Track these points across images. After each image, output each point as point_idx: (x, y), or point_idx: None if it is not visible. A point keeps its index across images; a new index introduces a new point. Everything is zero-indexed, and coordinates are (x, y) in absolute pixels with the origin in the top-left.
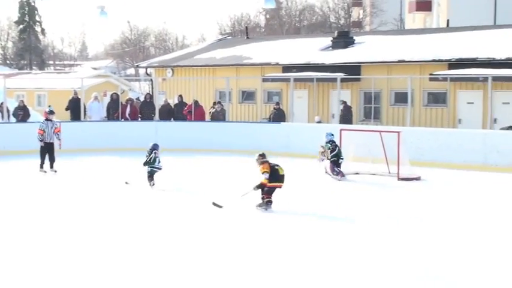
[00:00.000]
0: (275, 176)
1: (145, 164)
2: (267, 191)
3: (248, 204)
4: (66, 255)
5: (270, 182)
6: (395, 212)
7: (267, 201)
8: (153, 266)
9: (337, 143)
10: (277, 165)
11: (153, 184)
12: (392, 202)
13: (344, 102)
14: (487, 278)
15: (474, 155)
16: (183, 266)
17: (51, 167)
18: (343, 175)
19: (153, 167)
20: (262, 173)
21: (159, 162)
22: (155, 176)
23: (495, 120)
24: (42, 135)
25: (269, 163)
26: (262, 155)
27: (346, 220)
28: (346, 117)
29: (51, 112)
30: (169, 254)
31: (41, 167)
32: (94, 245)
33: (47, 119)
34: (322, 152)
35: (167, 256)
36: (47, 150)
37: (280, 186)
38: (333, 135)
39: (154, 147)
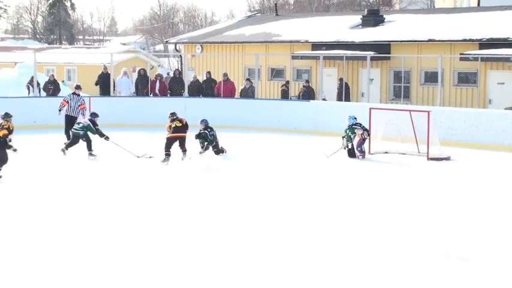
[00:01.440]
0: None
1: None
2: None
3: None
4: (88, 229)
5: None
6: (424, 191)
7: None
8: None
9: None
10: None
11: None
12: (422, 182)
13: (340, 79)
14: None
15: (504, 135)
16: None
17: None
18: (364, 155)
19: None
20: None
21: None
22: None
23: None
24: (63, 105)
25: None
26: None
27: (374, 200)
28: (341, 94)
29: (78, 87)
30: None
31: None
32: (117, 219)
33: (73, 93)
34: (361, 134)
35: (190, 234)
36: (71, 124)
37: (178, 136)
38: (356, 118)
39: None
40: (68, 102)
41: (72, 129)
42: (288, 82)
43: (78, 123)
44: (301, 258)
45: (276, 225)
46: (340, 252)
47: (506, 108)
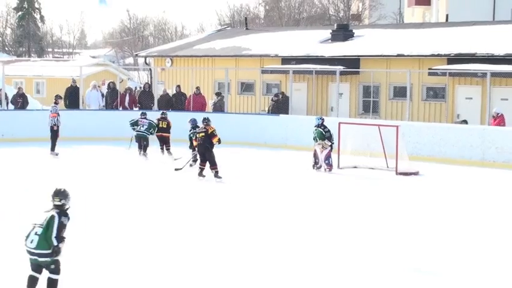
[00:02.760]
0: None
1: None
2: None
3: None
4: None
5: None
6: (393, 206)
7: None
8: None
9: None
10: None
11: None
12: (390, 196)
13: (275, 95)
14: (482, 274)
15: (472, 150)
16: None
17: (51, 150)
18: (332, 168)
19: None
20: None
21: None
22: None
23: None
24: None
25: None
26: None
27: (343, 215)
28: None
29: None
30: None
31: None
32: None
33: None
34: (321, 146)
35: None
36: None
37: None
38: (322, 119)
39: (193, 124)
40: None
41: (137, 132)
42: (277, 95)
43: (143, 126)
44: (272, 277)
45: (241, 241)
46: (310, 267)
47: (455, 122)
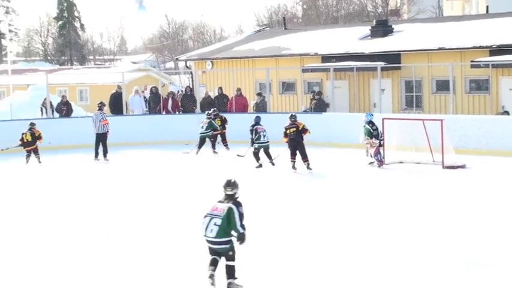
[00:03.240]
0: None
1: (252, 142)
2: None
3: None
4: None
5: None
6: (442, 199)
7: None
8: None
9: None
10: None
11: (260, 165)
12: (438, 190)
13: (317, 93)
14: None
15: None
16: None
17: (104, 156)
18: (382, 164)
19: (259, 144)
20: None
21: (264, 137)
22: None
23: None
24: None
25: None
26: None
27: (391, 209)
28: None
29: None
30: None
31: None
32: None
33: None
34: (370, 144)
35: None
36: (98, 141)
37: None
38: (372, 115)
39: (256, 121)
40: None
41: (199, 134)
42: (318, 93)
43: (202, 127)
44: (316, 263)
45: (293, 232)
46: (357, 259)
47: (497, 114)
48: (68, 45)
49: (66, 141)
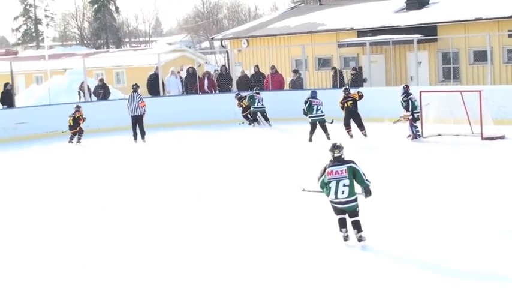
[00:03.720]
0: None
1: (305, 114)
2: None
3: None
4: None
5: None
6: (481, 172)
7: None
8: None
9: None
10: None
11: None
12: (477, 162)
13: (353, 69)
14: None
15: None
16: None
17: (142, 138)
18: (419, 136)
19: (312, 117)
20: None
21: (318, 110)
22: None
23: None
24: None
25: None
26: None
27: (431, 182)
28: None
29: (135, 86)
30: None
31: (134, 138)
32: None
33: (134, 92)
34: (404, 118)
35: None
36: (135, 122)
37: None
38: (406, 86)
39: (312, 95)
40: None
41: (252, 108)
42: (355, 68)
43: (259, 101)
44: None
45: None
46: (402, 229)
47: None
48: (104, 28)
49: (104, 124)
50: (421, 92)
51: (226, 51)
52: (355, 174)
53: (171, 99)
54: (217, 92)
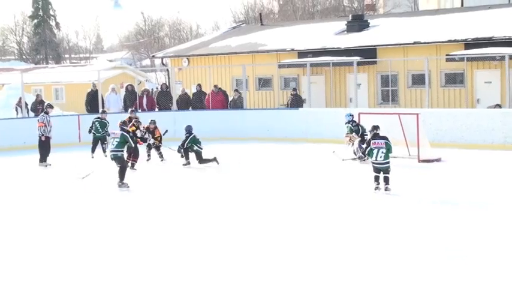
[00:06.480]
0: None
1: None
2: None
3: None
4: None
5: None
6: (417, 193)
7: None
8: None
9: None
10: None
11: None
12: (414, 184)
13: (294, 89)
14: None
15: (494, 134)
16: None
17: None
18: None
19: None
20: None
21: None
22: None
23: None
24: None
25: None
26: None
27: (368, 203)
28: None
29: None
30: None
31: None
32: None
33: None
34: (349, 139)
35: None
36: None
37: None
38: (352, 115)
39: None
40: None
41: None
42: (295, 89)
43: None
44: (302, 258)
45: (279, 229)
46: (341, 252)
47: (489, 107)
48: (43, 43)
49: None
50: (359, 113)
51: (167, 70)
52: (389, 146)
53: (110, 116)
54: (156, 110)
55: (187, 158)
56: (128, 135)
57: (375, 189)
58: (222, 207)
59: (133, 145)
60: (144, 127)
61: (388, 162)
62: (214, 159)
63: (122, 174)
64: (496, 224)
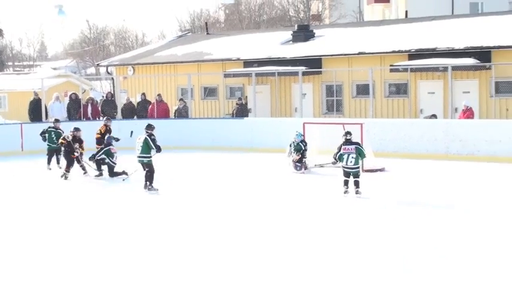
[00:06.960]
0: None
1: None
2: None
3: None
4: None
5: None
6: (360, 204)
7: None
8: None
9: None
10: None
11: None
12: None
13: (239, 99)
14: (451, 269)
15: (437, 144)
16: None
17: None
18: (306, 168)
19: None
20: None
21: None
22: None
23: (456, 109)
24: None
25: None
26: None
27: (311, 213)
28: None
29: None
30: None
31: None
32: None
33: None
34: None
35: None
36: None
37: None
38: (302, 135)
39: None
40: None
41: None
42: (240, 99)
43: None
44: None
45: (223, 242)
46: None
47: (425, 117)
48: None
49: None
50: (304, 123)
51: (112, 78)
52: (360, 152)
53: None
54: (101, 118)
55: (99, 169)
56: (149, 138)
57: (344, 193)
58: (163, 218)
59: (155, 148)
60: (71, 135)
61: (358, 167)
62: (123, 172)
63: (150, 178)
64: (437, 233)
